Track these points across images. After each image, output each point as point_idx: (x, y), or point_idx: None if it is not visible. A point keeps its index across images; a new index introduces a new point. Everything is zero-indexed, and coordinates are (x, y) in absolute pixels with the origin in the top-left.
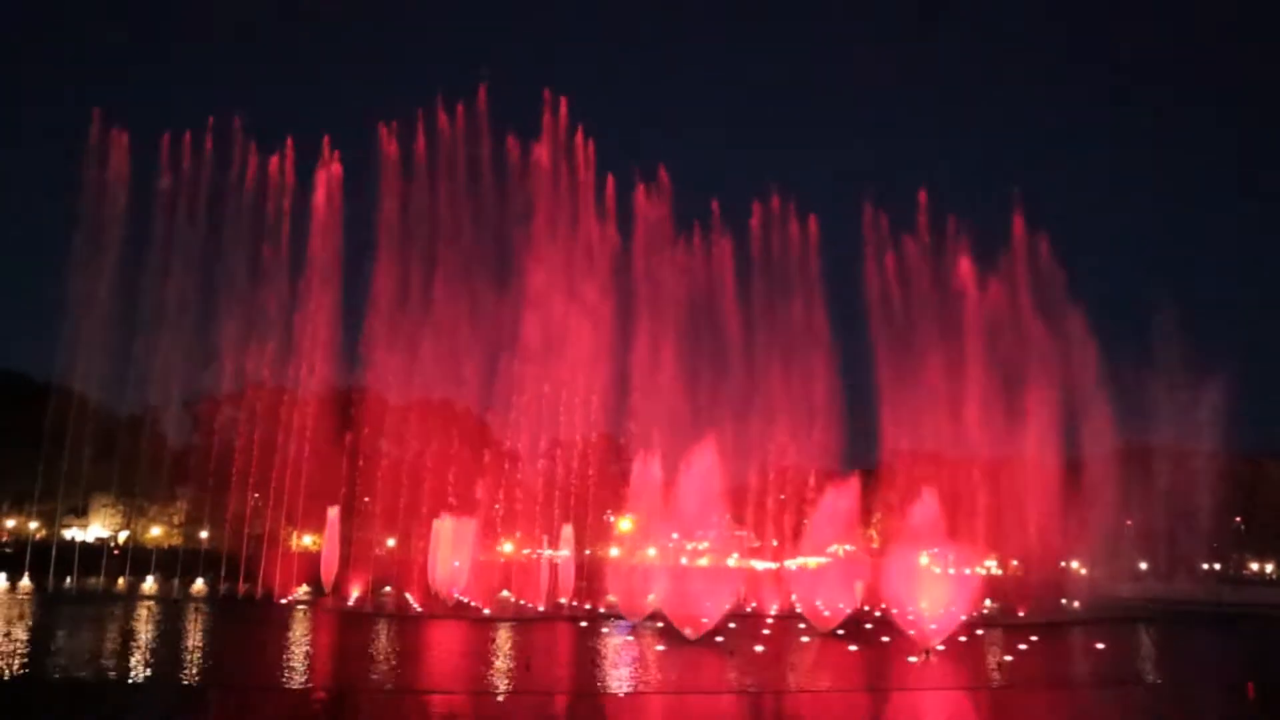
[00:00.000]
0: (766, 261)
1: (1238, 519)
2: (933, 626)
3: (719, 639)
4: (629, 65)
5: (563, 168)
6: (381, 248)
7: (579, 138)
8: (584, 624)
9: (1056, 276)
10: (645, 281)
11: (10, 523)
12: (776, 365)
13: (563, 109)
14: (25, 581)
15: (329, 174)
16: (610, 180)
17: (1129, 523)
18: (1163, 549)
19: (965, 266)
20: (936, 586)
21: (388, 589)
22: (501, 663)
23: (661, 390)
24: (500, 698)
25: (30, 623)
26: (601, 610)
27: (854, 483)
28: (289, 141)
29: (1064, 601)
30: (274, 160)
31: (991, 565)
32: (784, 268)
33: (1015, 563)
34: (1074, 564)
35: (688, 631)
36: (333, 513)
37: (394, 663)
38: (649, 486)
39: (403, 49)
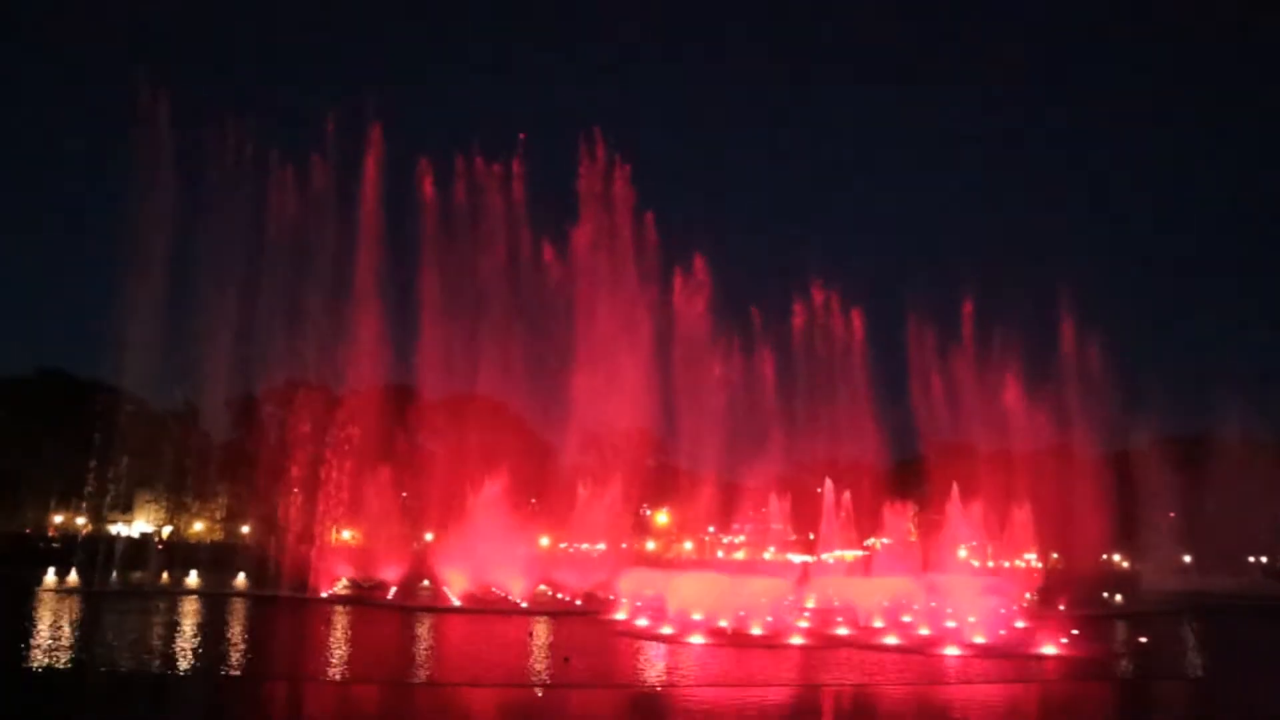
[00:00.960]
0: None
1: None
2: (971, 620)
3: (756, 631)
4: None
5: (605, 200)
6: (425, 256)
7: (618, 167)
8: (621, 616)
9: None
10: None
11: (58, 518)
12: (816, 361)
13: (599, 146)
14: (73, 576)
15: (373, 180)
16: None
17: (1171, 515)
18: (1207, 542)
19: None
20: (977, 581)
21: (426, 583)
22: (540, 657)
23: (703, 390)
24: (540, 691)
25: (78, 617)
26: (639, 603)
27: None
28: (329, 128)
29: (1105, 595)
30: (317, 163)
31: (1031, 558)
32: None
33: (1055, 556)
34: (1116, 557)
35: (724, 624)
36: (373, 507)
37: (434, 656)
38: (689, 480)
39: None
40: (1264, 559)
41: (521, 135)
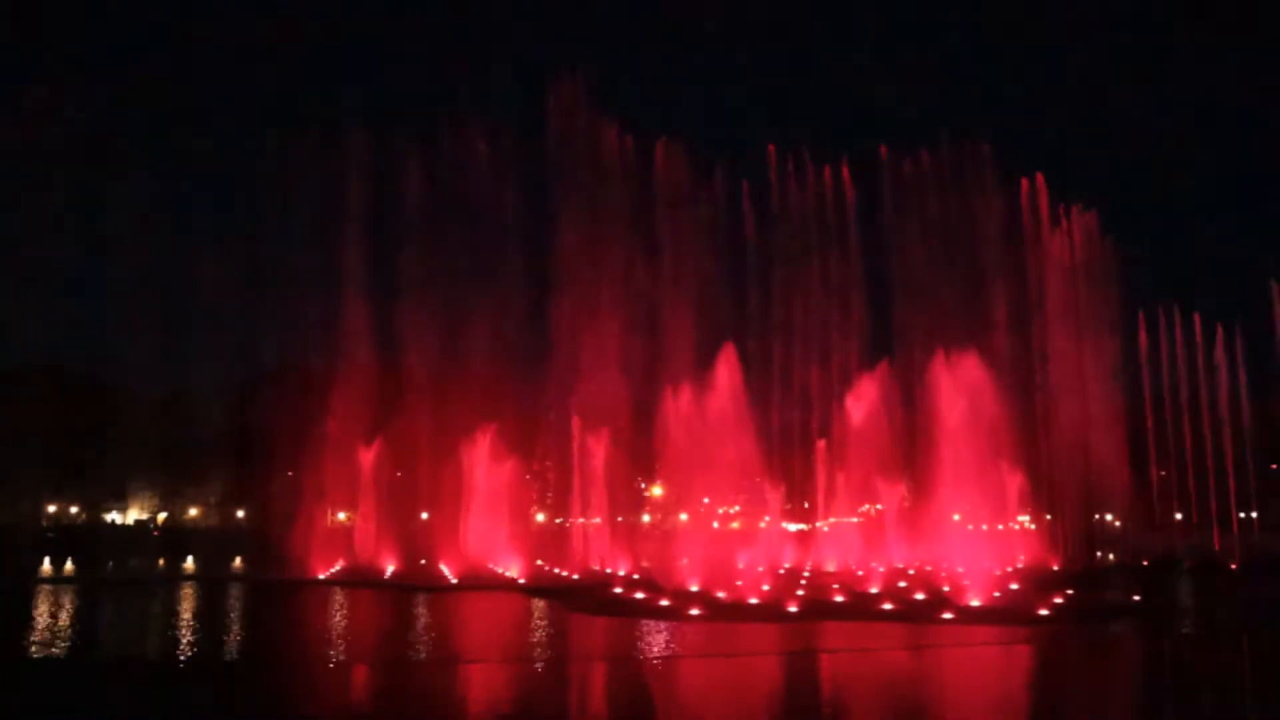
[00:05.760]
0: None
1: (1274, 466)
2: (966, 582)
3: (753, 601)
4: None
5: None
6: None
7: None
8: (618, 590)
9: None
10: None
11: (51, 508)
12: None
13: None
14: (69, 565)
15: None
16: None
17: (1162, 473)
18: (1197, 499)
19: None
20: (970, 542)
21: (423, 562)
22: (541, 631)
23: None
24: (539, 666)
25: (74, 607)
26: (635, 576)
27: None
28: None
29: (1098, 554)
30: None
31: (1025, 520)
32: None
33: (1049, 517)
34: (1108, 516)
35: (722, 595)
36: (367, 488)
37: (435, 634)
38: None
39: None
40: (1255, 514)
41: None
